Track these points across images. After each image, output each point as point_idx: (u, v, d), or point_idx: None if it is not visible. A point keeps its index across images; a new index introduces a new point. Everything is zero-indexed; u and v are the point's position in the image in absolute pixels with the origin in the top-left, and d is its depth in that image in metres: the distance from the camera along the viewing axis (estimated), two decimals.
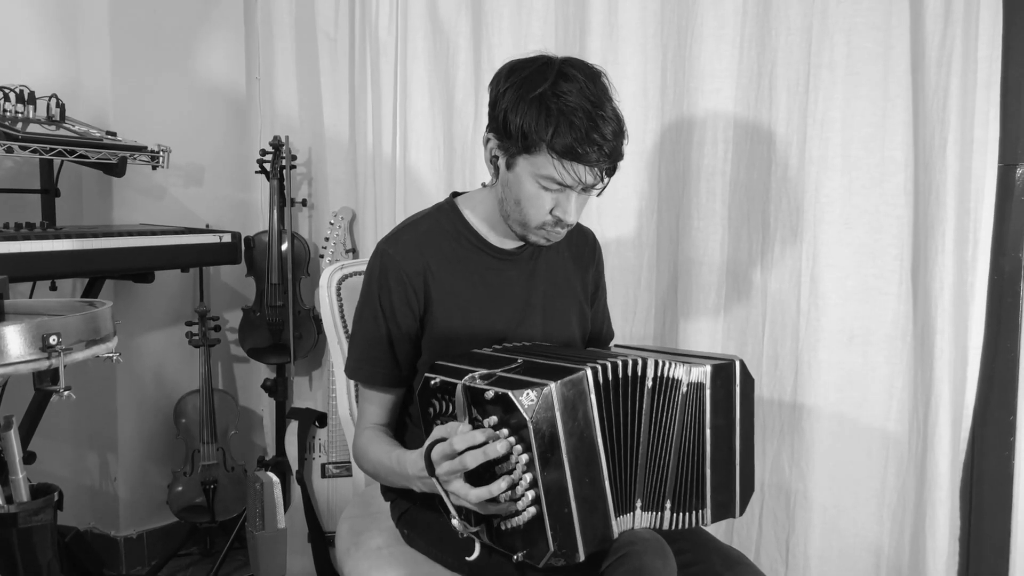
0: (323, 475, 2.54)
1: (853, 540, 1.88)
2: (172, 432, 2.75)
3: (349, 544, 1.67)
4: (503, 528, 1.23)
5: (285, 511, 2.58)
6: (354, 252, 2.69)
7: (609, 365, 1.25)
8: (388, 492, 1.64)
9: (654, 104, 2.06)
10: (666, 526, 1.35)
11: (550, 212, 1.41)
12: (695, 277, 2.00)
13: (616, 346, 1.63)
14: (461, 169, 2.35)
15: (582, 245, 1.67)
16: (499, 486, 1.17)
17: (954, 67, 1.65)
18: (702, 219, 1.98)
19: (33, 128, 2.18)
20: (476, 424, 1.22)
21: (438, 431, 1.25)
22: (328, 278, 1.89)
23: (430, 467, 1.24)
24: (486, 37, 2.27)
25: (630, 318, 2.12)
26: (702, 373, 1.34)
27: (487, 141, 1.44)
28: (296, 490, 2.53)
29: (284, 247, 2.73)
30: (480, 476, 1.20)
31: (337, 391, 1.91)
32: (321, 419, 2.58)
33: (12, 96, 2.24)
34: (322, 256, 2.62)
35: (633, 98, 2.04)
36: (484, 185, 1.55)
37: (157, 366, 2.78)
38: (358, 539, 1.66)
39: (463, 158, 2.35)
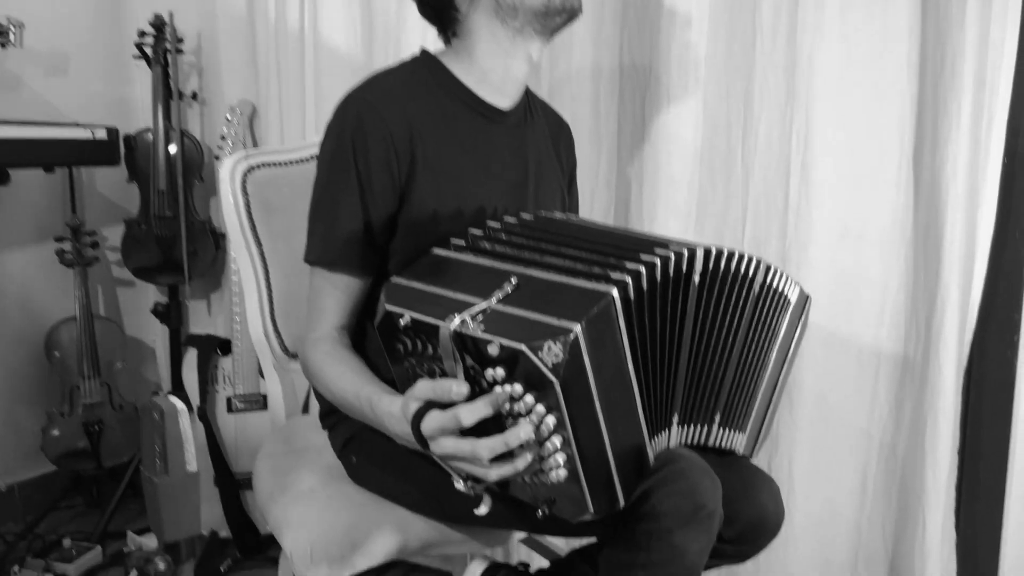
0: (229, 410, 2.21)
1: (841, 457, 1.70)
2: (44, 367, 2.35)
3: (272, 487, 1.37)
4: (523, 481, 0.99)
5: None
6: None
7: (643, 272, 0.97)
8: (328, 416, 1.35)
9: None
10: (712, 441, 1.16)
11: None
12: (663, 169, 1.73)
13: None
14: (384, 45, 2.01)
15: (558, 130, 1.44)
16: (525, 460, 0.95)
17: None
18: (672, 101, 1.72)
19: None
20: (473, 376, 0.94)
21: (423, 388, 0.97)
22: (230, 171, 1.55)
23: (422, 440, 0.98)
24: None
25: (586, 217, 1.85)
26: (781, 278, 1.15)
27: None
28: (198, 428, 2.20)
29: (172, 149, 2.33)
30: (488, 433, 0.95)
31: (246, 310, 1.59)
32: (224, 347, 2.24)
33: None
34: (218, 158, 2.26)
35: None
36: (448, 44, 1.28)
37: (21, 290, 2.37)
38: (283, 481, 1.37)
39: (386, 31, 2.00)
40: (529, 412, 0.90)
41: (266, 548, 2.18)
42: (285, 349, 1.58)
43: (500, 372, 0.90)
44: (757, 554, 1.25)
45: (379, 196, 1.19)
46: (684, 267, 1.02)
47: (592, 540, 1.34)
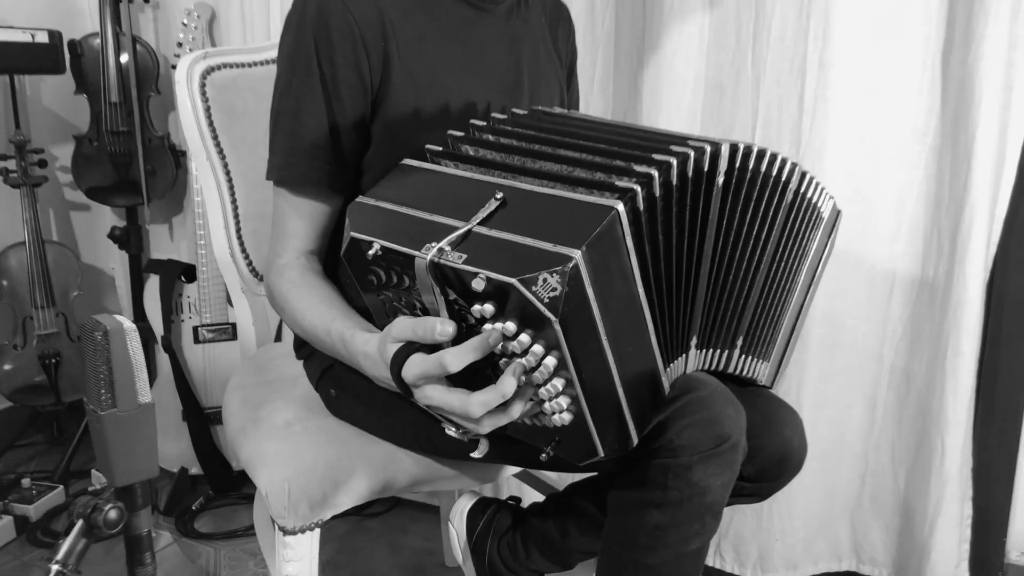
0: (196, 340, 2.07)
1: (849, 381, 1.61)
2: None
3: (244, 421, 1.24)
4: (523, 424, 0.86)
5: (152, 382, 2.11)
6: None
7: (656, 176, 0.81)
8: (303, 347, 1.22)
9: None
10: (732, 368, 1.02)
11: None
12: (665, 72, 1.58)
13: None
14: None
15: (556, 15, 1.27)
16: (522, 408, 0.82)
17: None
18: None
19: None
20: (460, 312, 0.79)
21: (403, 327, 0.82)
22: (187, 71, 1.38)
23: (404, 387, 0.83)
24: None
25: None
26: (816, 188, 1.02)
27: None
28: (163, 360, 2.06)
29: (124, 58, 2.13)
30: (479, 374, 0.81)
31: (209, 228, 1.44)
32: (188, 273, 2.08)
33: None
34: (174, 67, 2.05)
35: None
36: None
37: None
38: (256, 414, 1.24)
39: None
40: (525, 353, 0.76)
41: (240, 485, 2.07)
42: (254, 270, 1.44)
43: (489, 308, 0.76)
44: (776, 492, 1.14)
45: (347, 101, 1.04)
46: (706, 167, 0.87)
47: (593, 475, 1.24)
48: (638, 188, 0.79)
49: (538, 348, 0.76)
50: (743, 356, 1.04)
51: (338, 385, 1.16)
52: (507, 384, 0.77)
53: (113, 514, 0.69)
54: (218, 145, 1.41)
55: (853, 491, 1.65)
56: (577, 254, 0.72)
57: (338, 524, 1.94)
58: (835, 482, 1.64)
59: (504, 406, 0.80)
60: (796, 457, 1.11)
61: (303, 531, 1.11)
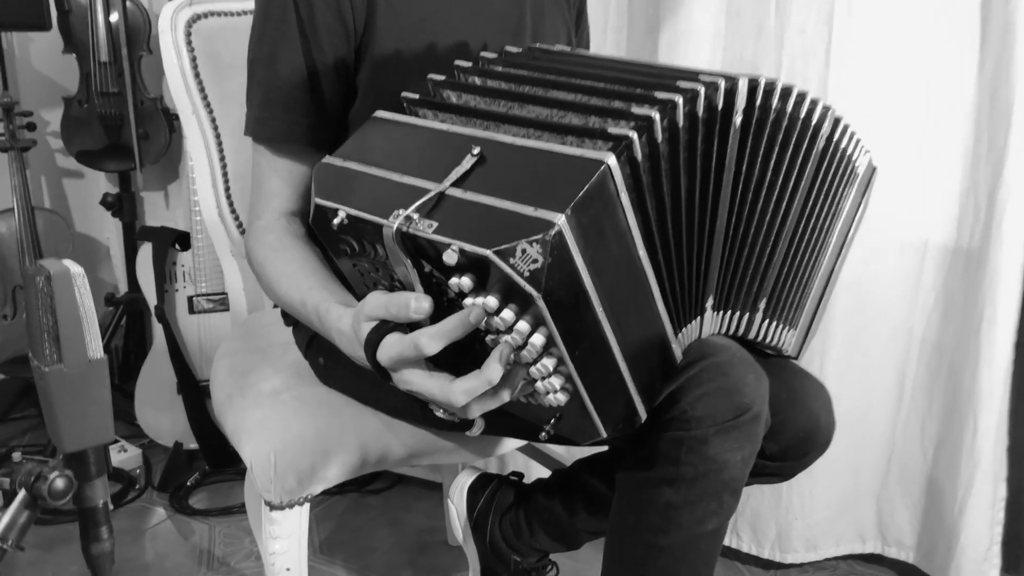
0: (191, 310, 1.99)
1: (876, 353, 1.51)
2: None
3: (231, 389, 1.17)
4: (519, 401, 0.77)
5: (145, 353, 2.04)
6: None
7: (657, 118, 0.71)
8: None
9: None
10: (753, 334, 0.93)
11: None
12: (683, 20, 1.48)
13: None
14: None
15: None
16: (512, 391, 0.73)
17: None
18: None
19: None
20: (437, 285, 0.71)
21: (375, 304, 0.73)
22: (171, 19, 1.30)
23: (382, 372, 0.75)
24: None
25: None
26: (851, 138, 0.92)
27: None
28: (157, 330, 1.99)
29: (114, 17, 2.03)
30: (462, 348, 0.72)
31: (197, 187, 1.35)
32: (182, 240, 2.00)
33: None
34: None
35: None
36: None
37: None
38: (244, 382, 1.16)
39: None
40: (510, 330, 0.67)
41: (237, 460, 1.96)
42: (244, 232, 1.36)
43: (467, 281, 0.66)
44: (800, 472, 1.05)
45: (328, 48, 0.95)
46: (720, 105, 0.76)
47: (602, 448, 1.15)
48: (634, 136, 0.69)
49: (523, 325, 0.66)
50: (767, 321, 0.94)
51: (327, 353, 1.08)
52: (492, 370, 0.69)
53: (60, 483, 0.61)
54: (205, 98, 1.33)
55: (879, 469, 1.57)
56: (560, 219, 0.63)
57: (337, 502, 1.87)
58: (860, 460, 1.56)
59: (493, 390, 0.71)
60: (823, 434, 1.02)
61: (291, 506, 1.03)
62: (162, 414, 2.01)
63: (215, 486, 1.93)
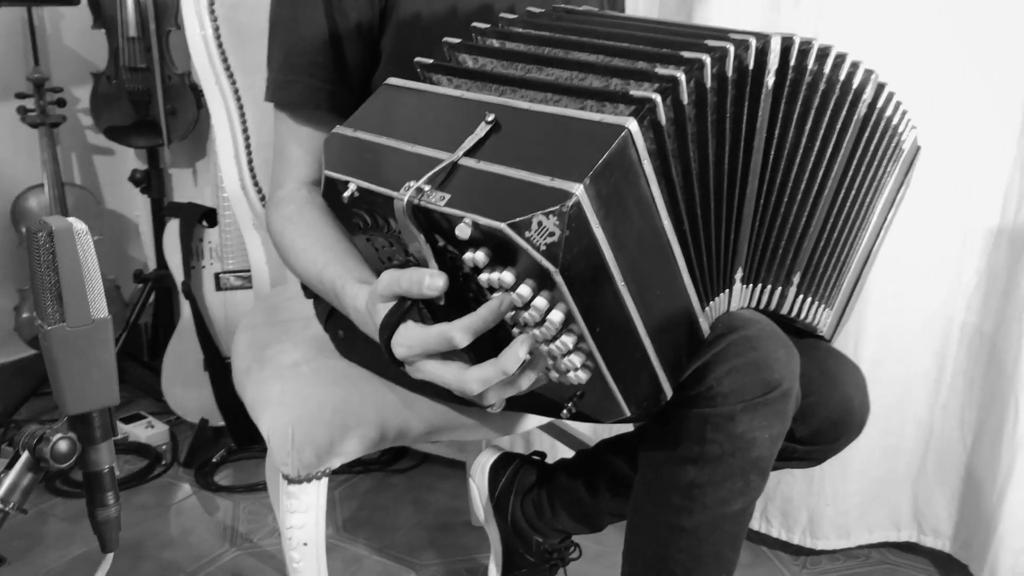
0: (218, 287, 1.99)
1: (914, 335, 1.46)
2: (12, 241, 2.12)
3: (250, 362, 1.15)
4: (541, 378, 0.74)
5: (172, 329, 2.04)
6: None
7: (682, 79, 0.67)
8: None
9: None
10: (786, 309, 0.89)
11: None
12: None
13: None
14: None
15: None
16: (532, 377, 0.70)
17: None
18: None
19: None
20: (451, 261, 0.68)
21: (388, 282, 0.71)
22: None
23: (395, 360, 0.73)
24: None
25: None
26: (897, 108, 0.88)
27: None
28: (184, 306, 1.99)
29: None
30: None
31: (219, 158, 1.34)
32: (209, 216, 2.00)
33: None
34: None
35: None
36: None
37: None
38: (263, 354, 1.15)
39: None
40: (527, 307, 0.64)
41: (261, 438, 1.98)
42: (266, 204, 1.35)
43: (481, 256, 0.63)
44: (831, 457, 1.01)
45: (351, 10, 0.93)
46: (751, 64, 0.73)
47: (627, 428, 1.12)
48: (657, 98, 0.65)
49: (541, 301, 0.64)
50: (800, 296, 0.90)
51: (346, 326, 1.06)
52: (509, 361, 0.66)
53: (63, 445, 0.60)
54: (228, 68, 1.32)
55: (915, 455, 1.52)
56: (578, 189, 0.60)
57: (361, 480, 1.86)
58: (895, 445, 1.51)
59: (511, 377, 0.69)
60: (856, 418, 0.98)
61: (308, 480, 1.01)
62: (189, 390, 2.01)
63: (240, 463, 1.93)
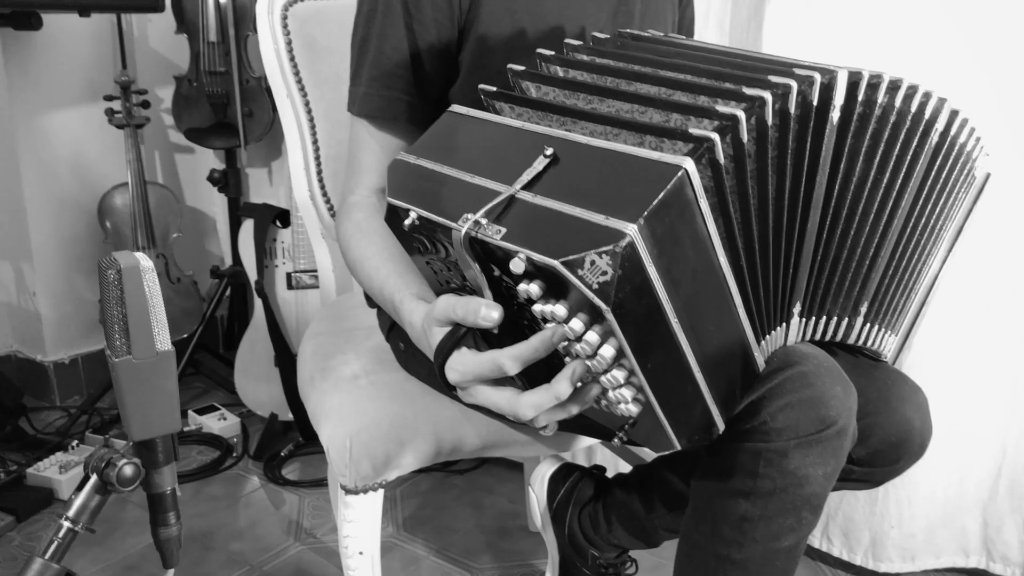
0: (289, 286, 2.05)
1: (987, 354, 1.41)
2: (98, 236, 2.22)
3: (313, 371, 1.19)
4: (593, 407, 0.75)
5: (245, 326, 2.11)
6: None
7: (742, 117, 0.67)
8: None
9: None
10: (854, 338, 0.88)
11: None
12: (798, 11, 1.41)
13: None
14: None
15: None
16: (581, 405, 0.72)
17: None
18: None
19: None
20: (506, 291, 0.69)
21: (445, 307, 0.73)
22: (268, 2, 1.32)
23: (448, 383, 0.76)
24: None
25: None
26: (971, 135, 0.87)
27: None
28: (257, 305, 2.05)
29: None
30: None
31: (290, 168, 1.38)
32: (283, 217, 2.05)
33: None
34: None
35: None
36: None
37: (73, 154, 2.21)
38: (326, 364, 1.18)
39: None
40: (579, 340, 0.65)
41: None
42: (334, 214, 1.38)
43: (535, 288, 0.65)
44: (890, 479, 1.00)
45: (432, 25, 0.95)
46: (815, 100, 0.72)
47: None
48: (716, 137, 0.65)
49: (593, 336, 0.64)
50: (867, 325, 0.89)
51: (406, 338, 1.08)
52: (562, 387, 0.67)
53: (128, 470, 0.63)
54: (299, 81, 1.35)
55: (987, 480, 1.47)
56: (632, 229, 0.60)
57: (423, 479, 1.89)
58: (966, 468, 1.46)
59: (562, 404, 0.70)
60: (917, 440, 0.96)
61: (364, 491, 1.04)
62: (260, 385, 2.08)
63: (307, 458, 1.99)
